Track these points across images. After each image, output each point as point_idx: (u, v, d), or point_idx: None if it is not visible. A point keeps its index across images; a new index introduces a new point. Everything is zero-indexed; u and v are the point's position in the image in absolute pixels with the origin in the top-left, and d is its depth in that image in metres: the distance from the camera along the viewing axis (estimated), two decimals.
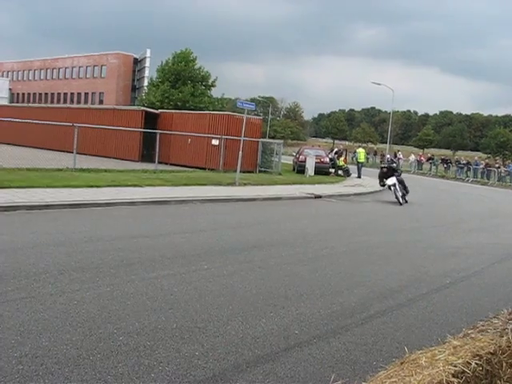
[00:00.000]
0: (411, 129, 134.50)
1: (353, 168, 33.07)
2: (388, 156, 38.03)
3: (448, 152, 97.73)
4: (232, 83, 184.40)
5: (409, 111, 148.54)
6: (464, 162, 47.51)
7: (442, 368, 3.08)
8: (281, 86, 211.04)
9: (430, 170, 49.89)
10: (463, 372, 3.13)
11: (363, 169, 33.69)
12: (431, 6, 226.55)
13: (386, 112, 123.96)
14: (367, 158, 59.96)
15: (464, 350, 3.40)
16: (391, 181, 19.95)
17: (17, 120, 26.22)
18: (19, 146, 31.59)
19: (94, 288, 6.12)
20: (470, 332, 4.16)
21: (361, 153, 33.41)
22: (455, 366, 3.15)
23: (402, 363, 3.45)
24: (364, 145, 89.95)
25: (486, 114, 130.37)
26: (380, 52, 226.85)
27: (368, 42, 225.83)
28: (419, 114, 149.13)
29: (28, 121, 26.34)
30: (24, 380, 3.88)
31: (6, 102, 76.17)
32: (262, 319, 5.60)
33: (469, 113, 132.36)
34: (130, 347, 4.60)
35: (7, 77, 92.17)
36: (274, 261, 8.44)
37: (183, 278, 6.88)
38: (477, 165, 45.24)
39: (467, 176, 44.57)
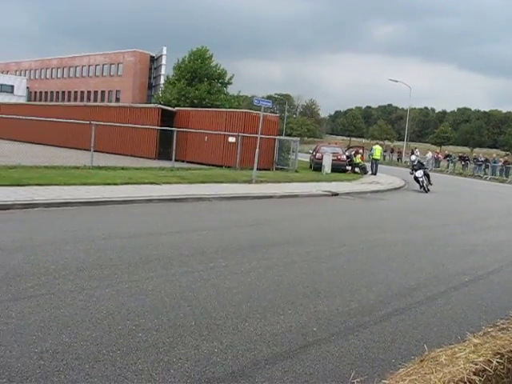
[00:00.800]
0: (428, 126, 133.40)
1: (370, 165, 32.92)
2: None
3: (466, 149, 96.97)
4: (249, 80, 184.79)
5: (426, 108, 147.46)
6: (482, 159, 47.15)
7: (462, 366, 3.06)
8: (297, 84, 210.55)
9: (448, 167, 49.60)
10: (484, 370, 3.11)
11: (379, 166, 33.53)
12: (449, 2, 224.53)
13: (402, 109, 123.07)
14: (384, 156, 59.86)
15: (485, 348, 3.38)
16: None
17: (34, 118, 26.40)
18: (37, 144, 31.96)
19: (112, 285, 6.16)
20: (490, 330, 4.12)
21: (376, 150, 33.18)
22: (476, 364, 3.13)
23: (421, 361, 3.43)
24: (381, 142, 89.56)
25: (504, 110, 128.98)
26: (397, 49, 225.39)
27: (385, 39, 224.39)
28: (436, 111, 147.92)
29: (45, 119, 26.52)
30: (45, 375, 3.91)
31: (23, 101, 76.99)
32: (281, 316, 5.60)
33: (487, 109, 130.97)
34: (149, 344, 4.63)
35: (25, 75, 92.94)
36: (292, 258, 8.43)
37: (201, 275, 6.90)
38: (495, 162, 44.81)
39: (485, 173, 44.26)
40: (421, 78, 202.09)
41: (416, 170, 25.34)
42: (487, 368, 3.13)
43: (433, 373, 3.05)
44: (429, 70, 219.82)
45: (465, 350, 3.37)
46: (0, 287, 5.74)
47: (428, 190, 24.53)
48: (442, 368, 3.08)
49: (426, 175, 25.18)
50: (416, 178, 25.05)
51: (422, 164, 26.67)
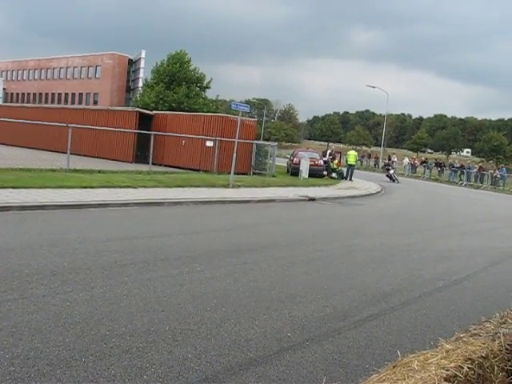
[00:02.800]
0: (405, 132, 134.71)
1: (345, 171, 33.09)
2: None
3: (442, 155, 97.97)
4: (228, 85, 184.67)
5: (403, 114, 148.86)
6: (458, 165, 47.63)
7: (434, 372, 3.08)
8: (276, 88, 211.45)
9: (424, 173, 49.99)
10: (455, 376, 3.13)
11: (356, 171, 33.70)
12: (429, 10, 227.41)
13: (380, 115, 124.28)
14: (361, 161, 60.21)
15: (456, 354, 3.41)
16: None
17: (11, 120, 26.10)
18: (13, 146, 31.54)
19: (86, 289, 6.11)
20: (462, 336, 4.16)
21: (350, 155, 33.14)
22: (447, 370, 3.15)
23: (394, 367, 3.44)
24: (358, 148, 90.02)
25: (480, 117, 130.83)
26: (376, 55, 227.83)
27: (365, 45, 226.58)
28: (413, 117, 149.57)
29: (22, 121, 26.24)
30: (15, 381, 3.86)
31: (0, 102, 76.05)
32: (255, 322, 5.60)
33: (463, 116, 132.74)
34: (123, 349, 4.59)
35: (1, 76, 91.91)
36: (267, 263, 8.43)
37: (176, 280, 6.87)
38: (470, 168, 45.34)
39: (461, 179, 44.73)
40: (399, 84, 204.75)
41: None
42: (458, 374, 3.15)
43: (405, 379, 3.07)
44: (407, 76, 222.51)
45: (437, 355, 3.40)
46: None
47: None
48: (414, 374, 3.10)
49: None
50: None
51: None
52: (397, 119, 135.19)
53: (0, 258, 7.16)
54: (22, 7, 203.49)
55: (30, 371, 4.04)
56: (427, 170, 49.98)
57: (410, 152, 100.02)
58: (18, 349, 4.40)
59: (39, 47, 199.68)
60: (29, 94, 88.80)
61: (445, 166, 49.69)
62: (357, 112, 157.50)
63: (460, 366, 3.22)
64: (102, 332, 4.92)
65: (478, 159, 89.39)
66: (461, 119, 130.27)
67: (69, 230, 9.86)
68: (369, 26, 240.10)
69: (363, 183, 30.38)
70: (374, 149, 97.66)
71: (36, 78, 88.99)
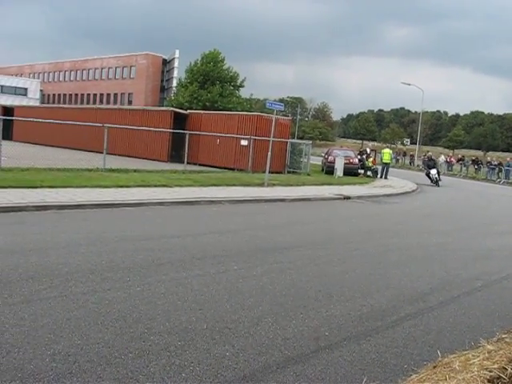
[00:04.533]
0: (441, 129, 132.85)
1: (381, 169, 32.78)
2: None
3: (479, 153, 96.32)
4: (261, 83, 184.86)
5: (439, 111, 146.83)
6: (495, 162, 46.76)
7: (476, 373, 3.03)
8: (310, 87, 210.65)
9: (461, 171, 49.27)
10: (499, 378, 3.08)
11: (391, 169, 33.36)
12: (464, 5, 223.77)
13: (415, 112, 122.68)
14: (396, 159, 59.60)
15: (499, 355, 3.35)
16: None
17: (48, 121, 26.57)
18: (50, 146, 32.16)
19: (124, 288, 6.18)
20: (504, 336, 4.09)
21: (385, 153, 32.82)
22: (490, 371, 3.09)
23: (434, 367, 3.41)
24: (393, 145, 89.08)
25: None
26: (411, 52, 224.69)
27: (399, 42, 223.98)
28: (449, 114, 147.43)
29: (59, 121, 26.68)
30: (58, 377, 3.92)
31: (37, 103, 77.51)
32: (292, 320, 5.59)
33: (501, 113, 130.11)
34: (161, 347, 4.63)
35: (38, 78, 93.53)
36: (303, 262, 8.41)
37: (213, 279, 6.90)
38: (509, 166, 44.41)
39: (499, 177, 43.89)
40: (434, 81, 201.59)
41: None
42: (502, 375, 3.09)
43: (446, 379, 3.02)
44: (443, 73, 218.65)
45: (479, 356, 3.34)
46: (13, 289, 5.76)
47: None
48: (456, 374, 3.06)
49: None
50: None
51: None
52: (432, 117, 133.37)
53: (40, 256, 7.30)
54: (60, 11, 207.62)
55: (71, 368, 4.10)
56: (464, 168, 49.23)
57: (446, 150, 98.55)
58: (59, 345, 4.47)
59: (76, 49, 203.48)
60: (65, 94, 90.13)
61: (482, 164, 48.84)
62: (391, 110, 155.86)
63: (504, 368, 3.16)
64: (141, 330, 4.96)
65: None
66: (499, 115, 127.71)
67: (106, 228, 9.98)
68: (404, 23, 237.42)
69: (399, 181, 30.07)
70: (409, 147, 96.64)
71: (72, 79, 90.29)
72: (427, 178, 32.33)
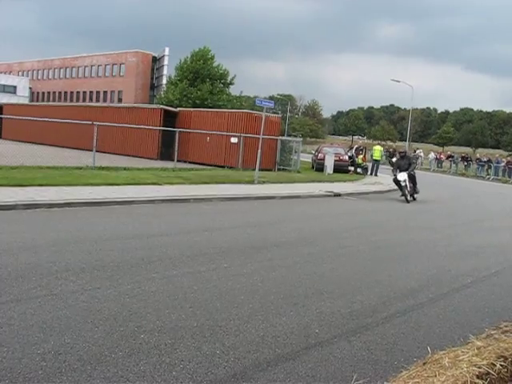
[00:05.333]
0: (431, 126, 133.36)
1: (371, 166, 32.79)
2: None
3: (468, 150, 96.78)
4: (251, 81, 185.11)
5: (428, 108, 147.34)
6: (485, 159, 46.97)
7: (465, 369, 3.05)
8: (300, 84, 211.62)
9: (450, 167, 49.44)
10: (488, 373, 3.10)
11: (381, 167, 33.40)
12: (457, 2, 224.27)
13: (405, 109, 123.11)
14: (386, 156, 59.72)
15: (488, 351, 3.37)
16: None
17: (37, 119, 26.45)
18: (40, 144, 31.99)
19: (114, 286, 6.16)
20: (493, 333, 4.11)
21: (376, 150, 32.81)
22: (479, 368, 3.11)
23: (424, 363, 3.42)
24: (383, 142, 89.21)
25: (508, 111, 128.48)
26: (402, 49, 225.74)
27: (391, 40, 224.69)
28: (439, 111, 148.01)
29: (48, 119, 26.54)
30: (47, 376, 3.91)
31: (26, 101, 77.11)
32: (283, 318, 5.59)
33: (490, 110, 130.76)
34: (152, 345, 4.62)
35: (27, 76, 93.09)
36: (294, 259, 8.42)
37: (203, 277, 6.89)
38: (498, 162, 44.64)
39: (488, 174, 44.12)
40: (426, 78, 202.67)
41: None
42: (491, 371, 3.11)
43: (436, 376, 3.04)
44: (434, 70, 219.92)
45: (468, 352, 3.36)
46: (2, 288, 5.74)
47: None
48: (445, 371, 3.07)
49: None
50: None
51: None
52: (422, 113, 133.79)
53: (29, 255, 7.26)
54: (50, 9, 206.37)
55: (61, 366, 4.09)
56: (453, 165, 49.42)
57: (435, 147, 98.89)
58: (49, 344, 4.46)
59: (65, 47, 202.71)
60: (54, 92, 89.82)
61: (471, 161, 49.04)
62: (381, 107, 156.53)
63: (492, 364, 3.18)
64: (131, 328, 4.95)
65: (506, 153, 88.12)
66: (488, 112, 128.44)
67: (95, 227, 9.94)
68: (395, 20, 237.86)
69: (389, 178, 30.10)
70: (399, 143, 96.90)
71: (61, 76, 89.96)
72: (396, 186, 20.10)
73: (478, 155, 54.22)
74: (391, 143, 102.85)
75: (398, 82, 59.26)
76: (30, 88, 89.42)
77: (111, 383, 3.92)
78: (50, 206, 11.51)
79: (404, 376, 3.22)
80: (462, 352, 3.40)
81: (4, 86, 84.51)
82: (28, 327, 4.77)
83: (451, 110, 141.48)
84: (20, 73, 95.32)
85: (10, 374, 3.92)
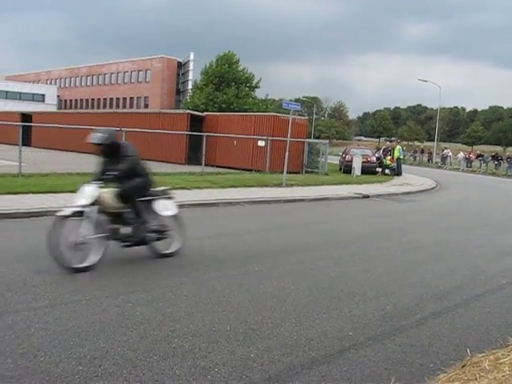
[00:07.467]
0: (459, 125, 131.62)
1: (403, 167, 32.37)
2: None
3: (498, 148, 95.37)
4: (277, 84, 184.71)
5: (456, 107, 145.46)
6: None
7: (508, 372, 2.99)
8: (326, 86, 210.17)
9: (480, 167, 48.69)
10: None
11: (409, 167, 32.94)
12: None
13: (432, 109, 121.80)
14: (414, 157, 59.38)
15: None
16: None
17: (66, 126, 26.78)
18: (68, 151, 32.36)
19: (147, 290, 6.20)
20: None
21: (395, 150, 32.45)
22: None
23: (463, 366, 3.37)
24: (411, 143, 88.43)
25: None
26: (429, 48, 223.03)
27: (417, 39, 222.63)
28: (467, 110, 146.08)
29: (76, 126, 26.81)
30: (84, 381, 3.95)
31: (54, 109, 78.24)
32: (316, 321, 5.56)
33: None
34: (186, 349, 4.63)
35: (55, 84, 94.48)
36: (325, 262, 8.38)
37: (235, 280, 6.89)
38: None
39: None
40: (453, 77, 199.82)
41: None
42: None
43: (476, 379, 2.98)
44: (462, 68, 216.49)
45: (509, 355, 3.29)
46: (37, 293, 5.81)
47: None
48: (486, 374, 3.01)
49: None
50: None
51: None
52: (450, 113, 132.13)
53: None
54: (77, 18, 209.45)
55: (97, 371, 4.12)
56: (483, 164, 48.70)
57: (464, 146, 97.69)
58: (85, 349, 4.49)
59: (93, 54, 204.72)
60: (81, 100, 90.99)
61: (502, 160, 48.29)
62: (408, 107, 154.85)
63: None
64: (165, 332, 4.97)
65: None
66: None
67: None
68: (422, 18, 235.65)
69: (417, 179, 29.87)
70: (426, 144, 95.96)
71: (88, 84, 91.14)
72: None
73: (508, 154, 53.36)
74: (419, 143, 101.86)
75: (426, 81, 58.79)
76: (58, 96, 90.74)
77: None
78: None
79: (443, 379, 3.17)
80: (503, 355, 3.34)
81: (33, 94, 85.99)
82: (63, 332, 4.82)
83: (480, 109, 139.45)
84: (48, 81, 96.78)
85: (48, 377, 3.96)
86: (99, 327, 4.99)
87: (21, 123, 20.54)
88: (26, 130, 29.75)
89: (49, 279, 6.36)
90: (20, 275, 6.52)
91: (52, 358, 4.29)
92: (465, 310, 6.34)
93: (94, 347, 4.54)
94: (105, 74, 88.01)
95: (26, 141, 27.43)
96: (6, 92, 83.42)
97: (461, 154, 54.08)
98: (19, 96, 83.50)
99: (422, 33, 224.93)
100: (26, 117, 41.06)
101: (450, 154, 54.78)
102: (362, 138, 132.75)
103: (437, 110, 68.82)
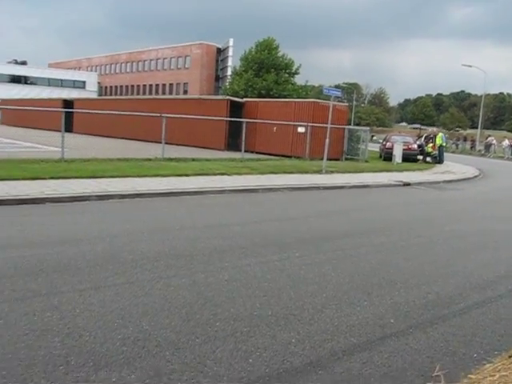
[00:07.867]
0: (504, 112, 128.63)
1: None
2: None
3: None
4: (317, 70, 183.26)
5: (502, 93, 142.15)
6: None
7: None
8: (366, 72, 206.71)
9: None
10: None
11: (451, 155, 32.42)
12: None
13: (476, 95, 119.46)
14: (457, 144, 58.34)
15: None
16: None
17: (106, 112, 27.10)
18: (109, 137, 32.86)
19: (189, 275, 6.25)
20: None
21: (437, 137, 31.95)
22: None
23: (509, 356, 3.31)
24: (452, 131, 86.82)
25: None
26: (474, 32, 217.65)
27: (462, 22, 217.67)
28: None
29: (117, 112, 27.15)
30: (128, 361, 4.01)
31: (95, 96, 79.38)
32: (357, 307, 5.54)
33: None
34: (228, 333, 4.67)
35: (96, 71, 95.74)
36: (366, 249, 8.33)
37: (276, 266, 6.90)
38: None
39: None
40: (498, 61, 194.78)
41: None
42: None
43: None
44: (508, 52, 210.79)
45: None
46: (81, 276, 5.92)
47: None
48: None
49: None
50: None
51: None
52: (495, 99, 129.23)
53: (105, 244, 7.47)
54: (118, 4, 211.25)
55: (140, 352, 4.18)
56: None
57: (510, 134, 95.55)
58: (128, 330, 4.57)
59: (133, 41, 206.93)
60: (121, 86, 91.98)
61: None
62: (451, 93, 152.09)
63: None
64: (206, 316, 5.02)
65: None
66: None
67: (168, 217, 10.13)
68: (468, 2, 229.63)
69: (460, 167, 29.38)
70: (469, 131, 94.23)
71: (128, 70, 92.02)
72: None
73: None
74: (462, 131, 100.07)
75: (470, 66, 57.62)
76: (99, 83, 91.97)
77: (190, 369, 3.98)
78: (122, 196, 11.78)
79: (489, 369, 3.12)
80: None
81: (74, 81, 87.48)
82: (107, 313, 4.91)
83: None
84: (89, 68, 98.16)
85: (93, 356, 4.04)
86: (142, 310, 5.06)
87: (63, 109, 20.86)
88: (68, 116, 30.26)
89: (92, 262, 6.47)
90: (65, 258, 6.65)
91: (97, 338, 4.37)
92: (509, 301, 6.22)
93: (138, 329, 4.61)
94: (144, 61, 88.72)
95: (68, 127, 27.93)
96: (49, 79, 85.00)
97: (506, 142, 52.70)
98: (61, 83, 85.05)
99: (468, 16, 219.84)
100: (67, 103, 41.74)
101: (495, 141, 53.53)
102: (405, 124, 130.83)
103: (481, 96, 67.49)
